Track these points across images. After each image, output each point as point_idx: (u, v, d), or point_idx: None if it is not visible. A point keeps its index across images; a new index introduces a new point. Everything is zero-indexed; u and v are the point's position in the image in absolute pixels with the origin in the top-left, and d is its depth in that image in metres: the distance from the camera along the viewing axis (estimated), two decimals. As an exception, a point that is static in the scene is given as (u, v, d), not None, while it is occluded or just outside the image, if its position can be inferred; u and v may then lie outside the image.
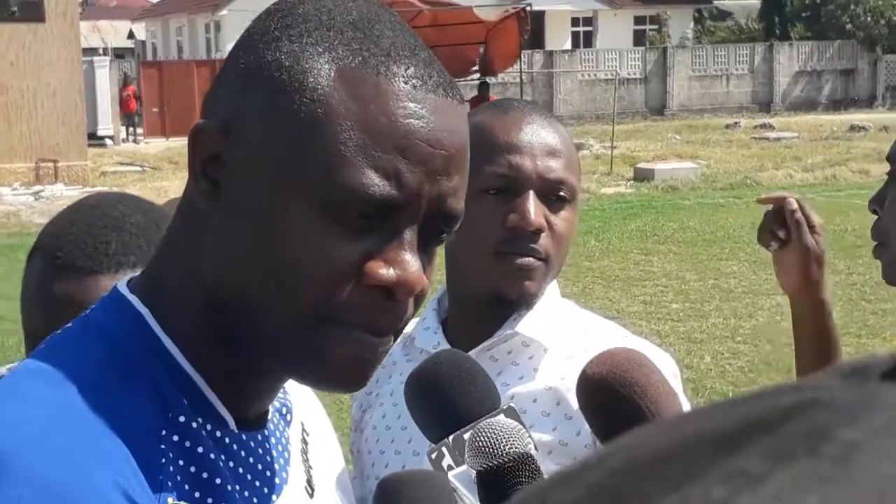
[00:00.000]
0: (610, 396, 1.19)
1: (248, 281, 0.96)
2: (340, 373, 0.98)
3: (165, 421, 0.97)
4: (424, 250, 0.98)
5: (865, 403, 0.35)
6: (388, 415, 1.74)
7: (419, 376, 1.26)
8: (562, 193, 1.64)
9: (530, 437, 1.15)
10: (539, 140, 1.64)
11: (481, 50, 22.70)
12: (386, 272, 0.95)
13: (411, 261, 0.96)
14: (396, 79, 0.95)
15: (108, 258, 1.39)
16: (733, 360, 8.15)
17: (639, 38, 41.70)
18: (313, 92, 0.95)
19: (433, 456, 1.17)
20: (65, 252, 1.44)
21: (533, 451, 1.13)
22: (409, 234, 0.96)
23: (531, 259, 1.62)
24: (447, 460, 1.15)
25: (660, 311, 9.73)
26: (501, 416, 1.16)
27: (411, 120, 0.95)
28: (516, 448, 1.11)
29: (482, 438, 1.12)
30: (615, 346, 1.64)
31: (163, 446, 0.96)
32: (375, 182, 0.93)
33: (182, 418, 0.98)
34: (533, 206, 1.61)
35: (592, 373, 1.22)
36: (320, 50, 0.96)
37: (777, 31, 40.63)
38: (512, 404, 1.21)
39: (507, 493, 1.07)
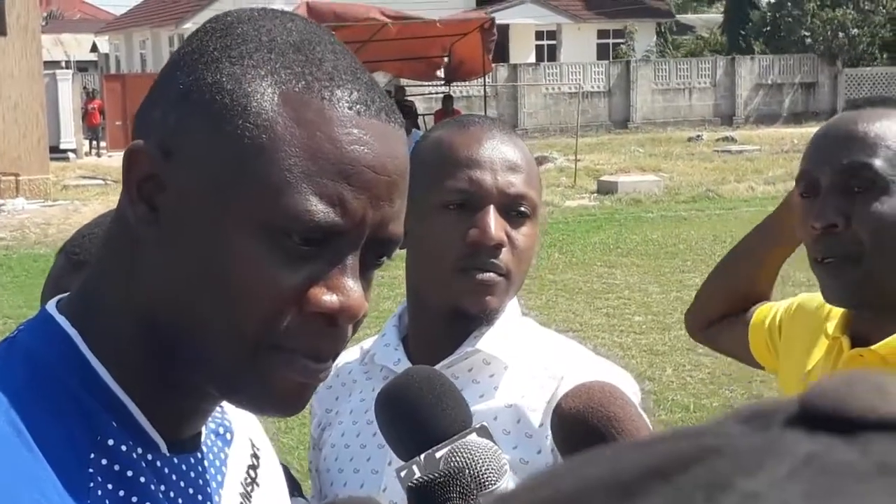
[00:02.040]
0: (586, 431, 1.18)
1: (187, 306, 0.95)
2: (281, 399, 0.98)
3: (94, 444, 0.95)
4: (363, 275, 0.98)
5: (767, 451, 0.34)
6: (346, 433, 1.73)
7: (390, 392, 1.25)
8: (522, 209, 1.64)
9: (505, 457, 1.14)
10: (499, 155, 1.64)
11: (446, 60, 22.77)
12: (329, 298, 0.94)
13: (354, 287, 0.96)
14: (341, 104, 0.94)
15: None
16: (695, 373, 8.18)
17: (602, 52, 41.91)
18: (257, 117, 0.93)
19: (403, 473, 1.16)
20: (83, 249, 1.61)
21: (508, 471, 1.12)
22: (352, 260, 0.96)
23: (492, 274, 1.61)
24: (420, 475, 1.14)
25: (622, 324, 9.76)
26: (474, 436, 1.16)
27: (356, 146, 0.94)
28: (492, 468, 1.10)
29: (458, 458, 1.11)
30: (576, 364, 1.65)
31: (91, 470, 0.94)
32: (320, 209, 0.92)
33: (111, 441, 0.96)
34: (493, 221, 1.60)
35: (568, 407, 1.21)
36: (262, 73, 0.94)
37: (742, 45, 40.96)
38: (485, 423, 1.21)
39: None
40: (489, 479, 1.10)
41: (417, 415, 1.20)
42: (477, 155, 1.63)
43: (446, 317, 1.66)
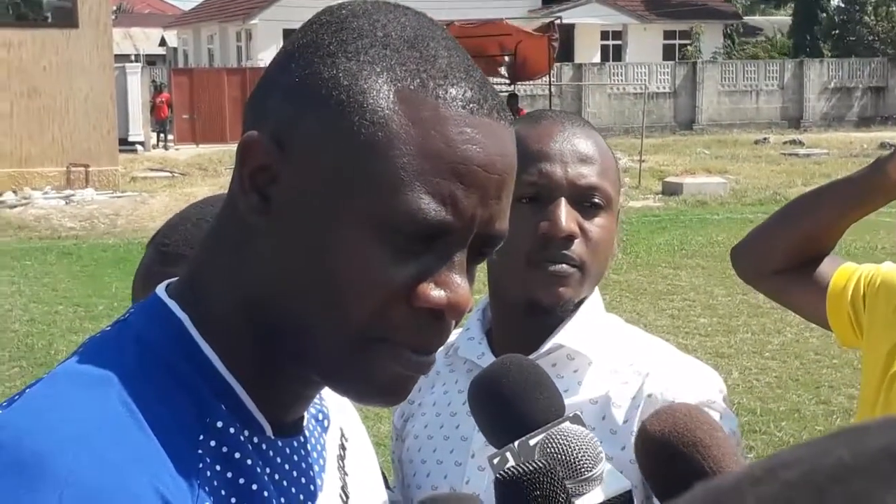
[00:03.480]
0: (672, 455, 1.15)
1: (296, 297, 0.96)
2: (385, 390, 0.99)
3: (203, 426, 0.97)
4: (468, 269, 0.99)
5: None
6: (430, 424, 1.74)
7: (485, 379, 1.25)
8: (595, 200, 1.64)
9: (600, 445, 1.14)
10: (570, 147, 1.64)
11: (506, 59, 22.75)
12: (437, 294, 0.95)
13: (461, 283, 0.97)
14: (455, 103, 0.95)
15: None
16: (761, 376, 8.11)
17: (668, 53, 41.61)
18: (373, 114, 0.94)
19: (495, 461, 1.15)
20: (171, 241, 1.61)
21: (605, 459, 1.12)
22: (459, 257, 0.97)
23: (564, 266, 1.62)
24: (510, 466, 1.12)
25: (687, 326, 9.70)
26: (568, 423, 1.15)
27: (469, 146, 0.95)
28: (588, 455, 1.09)
29: (554, 445, 1.11)
30: (661, 361, 1.65)
31: (200, 451, 0.96)
32: (432, 207, 0.93)
33: (219, 423, 0.98)
34: (564, 213, 1.61)
35: (654, 430, 1.18)
36: (378, 70, 0.95)
37: (807, 48, 40.45)
38: (578, 412, 1.20)
39: None
40: (585, 465, 1.09)
41: (512, 402, 1.19)
42: (547, 148, 1.64)
43: (523, 310, 1.66)
